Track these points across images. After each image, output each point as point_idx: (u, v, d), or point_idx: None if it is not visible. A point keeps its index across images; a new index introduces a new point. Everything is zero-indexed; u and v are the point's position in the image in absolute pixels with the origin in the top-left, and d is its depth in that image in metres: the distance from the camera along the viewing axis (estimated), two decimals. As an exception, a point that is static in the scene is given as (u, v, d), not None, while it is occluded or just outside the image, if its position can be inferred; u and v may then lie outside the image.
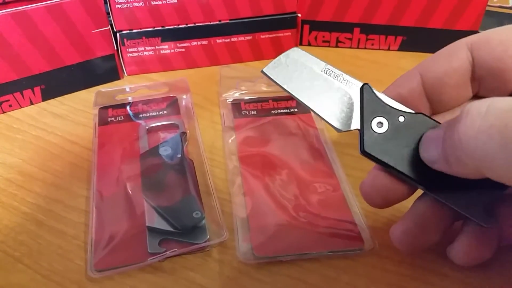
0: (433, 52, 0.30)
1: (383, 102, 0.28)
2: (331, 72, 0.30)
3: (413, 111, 0.28)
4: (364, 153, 0.28)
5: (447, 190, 0.26)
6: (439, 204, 0.27)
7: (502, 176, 0.21)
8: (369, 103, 0.28)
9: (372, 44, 0.54)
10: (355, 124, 0.29)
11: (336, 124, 0.29)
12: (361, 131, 0.28)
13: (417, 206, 0.28)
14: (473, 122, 0.21)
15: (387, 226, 0.34)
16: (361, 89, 0.29)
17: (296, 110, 0.44)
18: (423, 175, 0.27)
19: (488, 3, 0.50)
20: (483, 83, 0.28)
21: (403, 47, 0.54)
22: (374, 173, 0.28)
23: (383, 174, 0.28)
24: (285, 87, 0.30)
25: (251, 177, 0.38)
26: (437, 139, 0.25)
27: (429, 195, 0.27)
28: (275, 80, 0.30)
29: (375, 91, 0.29)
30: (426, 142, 0.27)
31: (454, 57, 0.28)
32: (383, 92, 0.29)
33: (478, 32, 0.30)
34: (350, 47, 0.55)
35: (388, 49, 0.55)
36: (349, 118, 0.29)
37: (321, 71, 0.30)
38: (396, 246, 0.29)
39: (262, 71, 0.31)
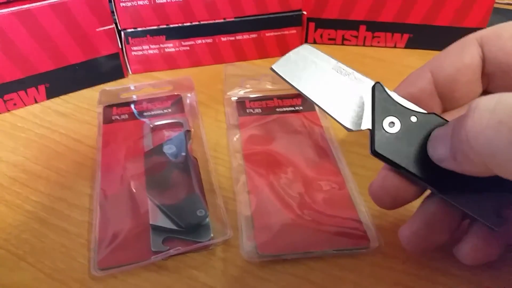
0: (440, 49, 0.29)
1: (395, 102, 0.27)
2: (342, 69, 0.29)
3: (425, 111, 0.27)
4: (375, 153, 0.27)
5: (459, 192, 0.26)
6: (448, 204, 0.27)
7: (510, 173, 0.21)
8: (381, 102, 0.27)
9: (378, 42, 0.54)
10: (366, 123, 0.28)
11: (347, 123, 0.28)
12: (372, 131, 0.27)
13: (426, 206, 0.28)
14: (481, 118, 0.21)
15: (392, 224, 0.34)
16: (373, 87, 0.28)
17: (301, 108, 0.44)
18: (434, 177, 0.26)
19: (496, 0, 0.50)
20: (492, 79, 0.28)
21: (409, 45, 0.53)
22: (384, 173, 0.28)
23: (392, 175, 0.27)
24: (294, 85, 0.29)
25: (255, 175, 0.37)
26: (445, 137, 0.25)
27: (440, 197, 0.27)
28: (284, 77, 0.29)
29: (387, 90, 0.28)
30: (434, 140, 0.26)
31: (465, 53, 0.27)
32: (394, 91, 0.28)
33: (487, 28, 0.30)
34: (356, 45, 0.55)
35: (395, 47, 0.54)
36: (360, 117, 0.28)
37: (332, 68, 0.29)
38: (405, 247, 0.29)
39: (271, 68, 0.29)
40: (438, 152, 0.25)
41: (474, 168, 0.23)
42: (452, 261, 0.29)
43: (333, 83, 0.29)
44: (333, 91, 0.29)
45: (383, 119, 0.27)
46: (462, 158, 0.23)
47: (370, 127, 0.28)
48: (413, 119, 0.27)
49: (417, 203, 0.29)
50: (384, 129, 0.27)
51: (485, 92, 0.28)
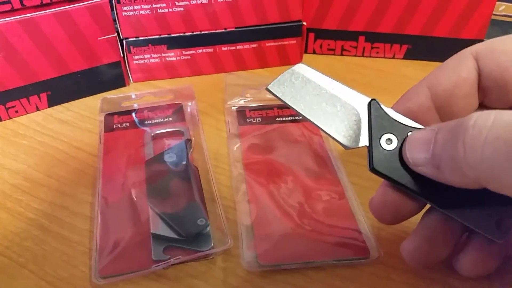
0: (438, 60, 0.30)
1: (392, 118, 0.28)
2: (337, 87, 0.29)
3: (423, 127, 0.27)
4: (373, 170, 0.27)
5: (459, 206, 0.26)
6: (449, 218, 0.27)
7: (505, 187, 0.21)
8: (377, 120, 0.28)
9: (377, 53, 0.55)
10: (363, 141, 0.28)
11: (344, 141, 0.28)
12: (369, 148, 0.28)
13: (427, 221, 0.28)
14: (480, 134, 0.21)
15: (392, 235, 0.34)
16: (369, 105, 0.28)
17: (301, 117, 0.44)
18: (433, 192, 0.26)
19: (494, 12, 0.50)
20: (488, 93, 0.28)
21: (408, 56, 0.54)
22: (383, 189, 0.28)
23: (392, 191, 0.28)
24: (290, 104, 0.29)
25: (256, 184, 0.38)
26: (426, 142, 0.25)
27: (441, 211, 0.27)
28: (280, 97, 0.29)
29: (383, 106, 0.28)
30: (413, 143, 0.26)
31: (462, 67, 0.28)
32: (391, 108, 0.28)
33: (484, 41, 0.30)
34: (355, 56, 0.55)
35: (393, 58, 0.55)
36: (357, 135, 0.28)
37: (327, 87, 0.29)
38: (408, 262, 0.29)
39: (267, 89, 0.30)
40: (416, 156, 0.26)
41: (461, 180, 0.23)
42: (452, 272, 0.30)
43: (329, 102, 0.29)
44: (329, 109, 0.29)
45: (380, 137, 0.27)
46: (450, 169, 0.23)
47: (368, 145, 0.28)
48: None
49: (418, 214, 0.29)
50: (381, 147, 0.27)
51: (481, 105, 0.29)
